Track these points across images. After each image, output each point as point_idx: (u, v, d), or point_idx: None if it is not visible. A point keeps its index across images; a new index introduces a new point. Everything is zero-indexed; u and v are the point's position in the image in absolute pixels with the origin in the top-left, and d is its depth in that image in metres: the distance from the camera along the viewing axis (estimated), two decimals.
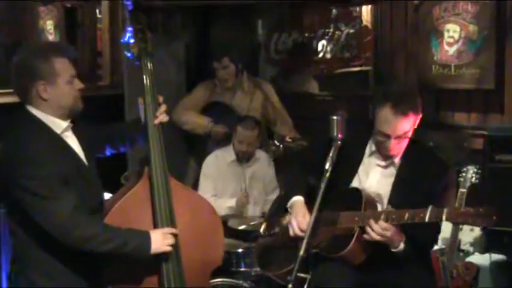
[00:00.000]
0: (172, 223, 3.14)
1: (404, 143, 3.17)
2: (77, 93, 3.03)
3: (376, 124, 3.14)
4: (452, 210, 2.89)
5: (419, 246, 3.16)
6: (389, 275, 3.19)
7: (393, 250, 3.09)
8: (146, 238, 2.99)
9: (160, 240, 3.01)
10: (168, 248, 3.04)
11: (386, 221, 3.01)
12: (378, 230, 3.00)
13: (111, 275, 3.06)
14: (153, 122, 3.15)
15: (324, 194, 3.04)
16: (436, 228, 3.31)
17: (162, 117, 3.20)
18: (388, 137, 3.11)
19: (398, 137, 3.10)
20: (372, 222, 3.02)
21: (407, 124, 3.10)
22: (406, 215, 2.97)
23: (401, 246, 3.08)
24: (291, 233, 3.24)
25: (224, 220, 4.60)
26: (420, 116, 3.17)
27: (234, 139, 4.95)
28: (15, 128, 2.96)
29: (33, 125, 2.96)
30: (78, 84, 3.03)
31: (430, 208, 2.91)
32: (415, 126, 3.19)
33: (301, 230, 3.17)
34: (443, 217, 2.88)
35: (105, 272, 3.05)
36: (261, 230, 3.64)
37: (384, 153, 3.20)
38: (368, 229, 3.03)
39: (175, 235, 3.10)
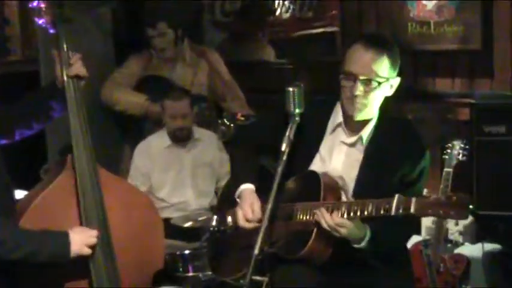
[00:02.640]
0: (102, 219, 3.19)
1: (373, 98, 3.14)
2: None
3: (343, 67, 3.16)
4: (421, 201, 2.87)
5: (388, 244, 3.18)
6: (358, 275, 3.21)
7: (355, 246, 3.12)
8: (64, 240, 3.02)
9: (79, 242, 3.06)
10: (89, 251, 3.09)
11: (348, 213, 3.03)
12: (331, 223, 3.04)
13: (30, 281, 3.09)
14: (69, 75, 3.23)
15: (281, 180, 3.06)
16: (413, 222, 3.34)
17: (78, 68, 3.26)
18: (354, 78, 3.11)
19: (367, 81, 3.10)
20: (323, 212, 3.05)
21: (380, 66, 3.10)
22: (370, 207, 2.99)
23: (363, 244, 3.12)
24: (240, 227, 3.29)
25: (167, 217, 4.67)
26: (396, 74, 3.17)
27: (165, 117, 4.99)
28: None
29: None
30: None
31: (396, 198, 2.90)
32: (389, 92, 3.22)
33: (248, 221, 3.22)
34: (412, 209, 2.86)
35: (23, 278, 3.07)
36: (212, 224, 3.67)
37: (349, 113, 3.18)
38: (321, 220, 3.06)
39: (107, 233, 3.16)
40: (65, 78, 3.25)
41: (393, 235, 3.17)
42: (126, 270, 3.24)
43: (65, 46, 3.28)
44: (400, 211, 2.90)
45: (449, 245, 4.64)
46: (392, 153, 3.19)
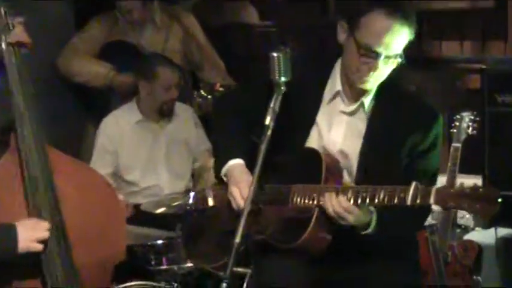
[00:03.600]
0: (54, 207, 3.16)
1: (389, 70, 3.18)
2: None
3: (359, 37, 3.10)
4: (443, 191, 2.88)
5: (397, 228, 3.17)
6: (357, 268, 3.22)
7: (361, 233, 3.12)
8: (10, 234, 3.00)
9: (28, 237, 3.03)
10: (39, 247, 3.07)
11: (355, 200, 3.01)
12: (338, 209, 3.04)
13: None
14: (9, 42, 3.19)
15: (267, 158, 3.03)
16: (425, 209, 3.34)
17: (20, 34, 3.21)
18: (375, 56, 3.08)
19: (388, 58, 3.11)
20: (332, 196, 3.04)
21: (405, 38, 3.08)
22: (382, 194, 2.98)
23: (370, 229, 3.09)
24: (234, 205, 3.26)
25: (136, 203, 4.68)
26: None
27: (154, 88, 4.94)
28: None
29: None
30: None
31: (413, 186, 2.90)
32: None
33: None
34: (431, 199, 2.87)
35: None
36: (189, 202, 3.66)
37: (356, 86, 3.18)
38: (327, 205, 3.06)
39: (61, 222, 3.15)
40: (3, 46, 3.21)
41: (403, 218, 3.14)
42: (83, 263, 3.23)
43: (2, 9, 3.24)
44: (418, 201, 2.90)
45: (458, 231, 4.66)
46: (400, 120, 3.18)
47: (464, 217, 4.77)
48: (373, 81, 3.17)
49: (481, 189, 2.80)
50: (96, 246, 3.29)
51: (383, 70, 3.14)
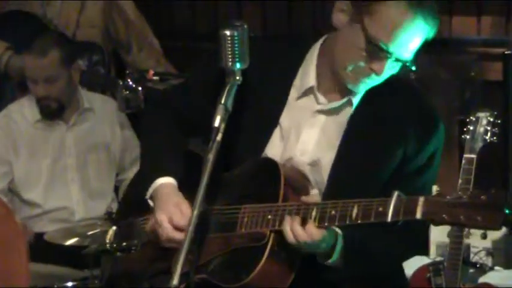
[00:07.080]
0: None
1: (384, 78, 3.21)
2: None
3: (371, 28, 3.11)
4: (433, 201, 2.89)
5: (372, 260, 3.23)
6: None
7: (322, 263, 3.15)
8: None
9: None
10: None
11: (321, 219, 3.05)
12: (302, 235, 3.05)
13: None
14: None
15: (215, 172, 3.08)
16: (417, 228, 3.35)
17: None
18: (386, 56, 3.12)
19: (397, 62, 3.10)
20: (290, 221, 3.07)
21: (421, 41, 3.12)
22: (355, 210, 3.00)
23: (334, 258, 3.13)
24: (163, 241, 3.27)
25: (39, 231, 4.69)
26: None
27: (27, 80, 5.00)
28: None
29: None
30: None
31: (394, 197, 2.92)
32: None
33: (178, 229, 3.18)
34: (418, 213, 2.89)
35: None
36: (107, 239, 3.65)
37: (348, 85, 3.19)
38: (287, 234, 3.09)
39: None
40: None
41: (382, 245, 3.21)
42: None
43: None
44: (400, 217, 2.91)
45: (471, 271, 4.70)
46: (391, 123, 3.24)
47: (480, 252, 4.81)
48: (371, 83, 3.20)
49: (482, 197, 2.80)
50: None
51: (385, 74, 3.18)
